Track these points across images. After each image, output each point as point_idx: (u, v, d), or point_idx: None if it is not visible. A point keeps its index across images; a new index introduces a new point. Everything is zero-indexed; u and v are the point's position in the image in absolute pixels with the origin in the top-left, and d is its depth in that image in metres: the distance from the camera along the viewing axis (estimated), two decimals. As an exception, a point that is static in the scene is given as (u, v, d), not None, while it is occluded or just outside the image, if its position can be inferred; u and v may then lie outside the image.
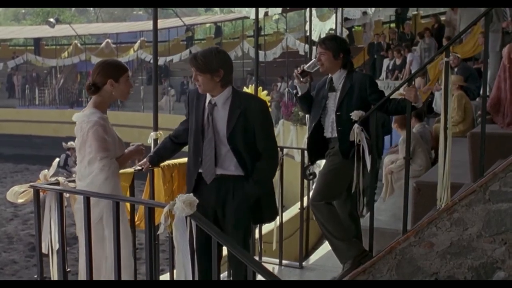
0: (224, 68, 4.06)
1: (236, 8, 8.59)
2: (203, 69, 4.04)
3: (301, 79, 5.12)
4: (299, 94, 5.26)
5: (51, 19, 33.66)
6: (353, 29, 24.92)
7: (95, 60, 31.23)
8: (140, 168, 4.45)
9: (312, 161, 5.46)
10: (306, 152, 5.98)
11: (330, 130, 5.07)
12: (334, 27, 13.25)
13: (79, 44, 35.27)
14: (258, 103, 4.23)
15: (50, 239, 3.97)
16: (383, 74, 16.52)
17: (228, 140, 4.11)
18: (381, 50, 18.49)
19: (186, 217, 3.17)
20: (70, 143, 14.83)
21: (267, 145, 4.19)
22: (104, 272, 3.88)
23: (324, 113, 5.11)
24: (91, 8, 59.59)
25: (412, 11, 21.86)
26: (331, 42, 5.09)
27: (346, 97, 4.96)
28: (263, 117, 4.17)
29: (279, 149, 5.85)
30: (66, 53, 35.20)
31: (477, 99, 9.21)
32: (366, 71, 17.19)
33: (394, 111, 4.90)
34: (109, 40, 34.83)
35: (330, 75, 5.13)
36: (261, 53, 24.47)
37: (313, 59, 5.20)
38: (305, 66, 5.11)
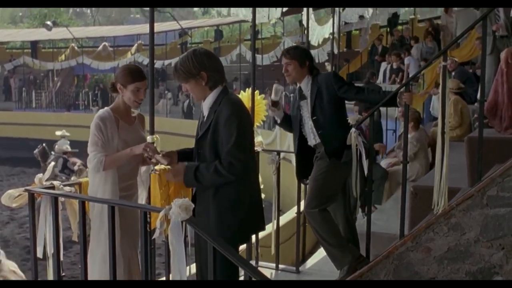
0: (207, 70, 3.75)
1: (233, 12, 8.55)
2: (185, 77, 3.79)
3: (276, 109, 5.18)
4: (278, 121, 5.30)
5: (48, 22, 33.74)
6: (351, 33, 24.99)
7: (89, 62, 31.36)
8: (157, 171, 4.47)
9: (302, 177, 5.42)
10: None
11: (312, 137, 5.08)
12: (331, 31, 13.30)
13: (76, 47, 35.22)
14: (227, 111, 3.70)
15: (45, 244, 3.95)
16: (380, 78, 16.53)
17: (196, 143, 3.88)
18: (376, 55, 18.51)
19: (182, 222, 3.15)
20: (66, 147, 14.79)
21: (225, 157, 3.66)
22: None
23: (302, 123, 5.14)
24: (88, 11, 59.75)
25: (409, 15, 21.90)
26: (295, 51, 5.11)
27: (317, 100, 4.97)
28: (226, 128, 3.67)
29: (276, 154, 5.86)
30: (63, 56, 35.17)
31: (476, 104, 9.18)
32: (364, 75, 17.18)
33: (371, 99, 4.94)
34: (106, 43, 34.79)
35: (298, 85, 5.18)
36: (258, 56, 24.52)
37: (274, 85, 5.25)
38: (272, 97, 5.16)
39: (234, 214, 3.78)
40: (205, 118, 3.86)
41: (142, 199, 4.44)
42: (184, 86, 3.93)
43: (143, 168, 4.37)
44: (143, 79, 4.12)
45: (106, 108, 4.19)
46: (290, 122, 5.30)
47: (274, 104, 5.17)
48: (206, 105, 3.85)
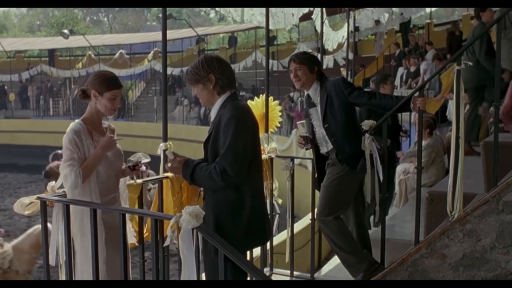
0: (215, 73, 3.75)
1: (246, 19, 8.48)
2: (194, 80, 3.82)
3: (308, 146, 5.10)
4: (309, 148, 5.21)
5: (65, 31, 34.02)
6: (366, 38, 24.91)
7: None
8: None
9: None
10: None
11: (325, 145, 5.01)
12: (345, 36, 13.25)
13: (93, 55, 35.49)
14: (227, 114, 3.66)
15: (57, 251, 3.94)
16: (397, 82, 16.42)
17: (204, 148, 3.84)
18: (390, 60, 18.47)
19: (192, 229, 3.13)
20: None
21: (220, 160, 3.59)
22: None
23: (313, 131, 5.08)
24: (105, 19, 60.17)
25: (425, 19, 21.79)
26: (304, 56, 5.04)
27: (328, 107, 4.89)
28: (224, 131, 3.62)
29: (290, 160, 5.82)
30: (80, 64, 35.44)
31: (492, 108, 9.08)
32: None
33: (383, 104, 4.87)
34: (123, 51, 35.03)
35: (306, 92, 5.11)
36: (274, 62, 24.56)
37: (298, 123, 5.19)
38: (301, 134, 5.11)
39: (233, 220, 3.69)
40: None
41: None
42: (193, 90, 3.92)
43: (121, 181, 4.23)
44: (120, 87, 4.07)
45: (77, 120, 4.06)
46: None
47: (307, 140, 5.09)
48: (213, 111, 3.85)
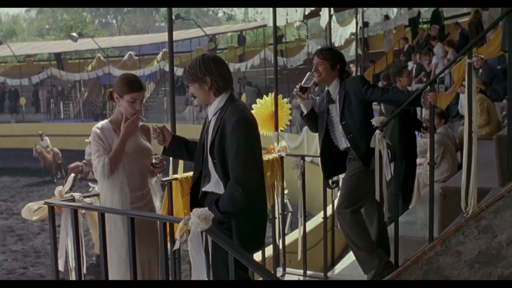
0: (211, 75, 3.74)
1: (250, 16, 8.42)
2: (190, 79, 3.82)
3: (303, 96, 5.11)
4: (305, 112, 5.24)
5: (74, 34, 34.14)
6: (375, 34, 24.78)
7: (118, 72, 31.56)
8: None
9: (328, 177, 5.46)
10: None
11: (344, 141, 5.04)
12: (354, 31, 13.18)
13: (102, 57, 35.56)
14: (233, 117, 3.64)
15: (67, 257, 3.90)
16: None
17: (210, 153, 3.78)
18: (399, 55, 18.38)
19: (201, 232, 3.08)
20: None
21: (234, 167, 3.60)
22: None
23: (332, 127, 5.12)
24: (114, 21, 60.32)
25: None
26: (328, 52, 5.10)
27: (345, 104, 4.94)
28: (233, 134, 3.59)
29: (300, 159, 5.76)
30: (89, 67, 35.53)
31: (504, 101, 9.00)
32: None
33: (395, 99, 4.90)
34: (132, 53, 35.07)
35: (326, 88, 5.13)
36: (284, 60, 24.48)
37: (308, 73, 5.13)
38: (302, 83, 5.06)
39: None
40: (210, 124, 3.83)
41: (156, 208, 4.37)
42: (190, 88, 3.96)
43: (153, 179, 4.28)
44: (139, 90, 4.08)
45: (105, 120, 4.18)
46: (315, 120, 5.26)
47: (303, 90, 5.10)
48: (211, 111, 3.85)
